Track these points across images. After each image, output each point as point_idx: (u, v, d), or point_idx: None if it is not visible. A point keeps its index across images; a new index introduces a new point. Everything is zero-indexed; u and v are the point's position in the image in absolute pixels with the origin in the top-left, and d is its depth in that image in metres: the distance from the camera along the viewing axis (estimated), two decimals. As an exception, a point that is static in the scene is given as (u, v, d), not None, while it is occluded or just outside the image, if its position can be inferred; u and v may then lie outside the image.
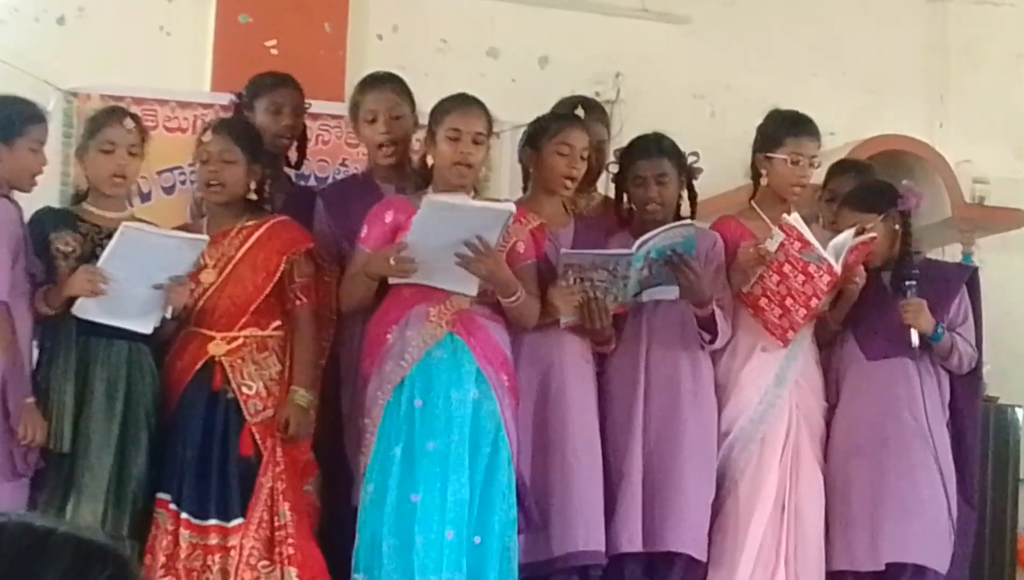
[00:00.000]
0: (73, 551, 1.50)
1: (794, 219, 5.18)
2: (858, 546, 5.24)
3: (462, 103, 5.04)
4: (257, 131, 5.27)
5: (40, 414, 4.76)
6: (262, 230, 5.09)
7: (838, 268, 5.12)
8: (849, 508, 5.28)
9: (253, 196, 5.11)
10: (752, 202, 5.57)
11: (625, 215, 5.46)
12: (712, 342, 5.27)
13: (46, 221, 4.98)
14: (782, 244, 5.15)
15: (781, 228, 5.15)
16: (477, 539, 4.81)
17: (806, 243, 5.12)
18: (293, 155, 5.70)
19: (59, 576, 1.48)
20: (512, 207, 4.91)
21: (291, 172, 5.73)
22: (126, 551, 1.57)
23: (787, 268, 5.17)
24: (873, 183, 5.64)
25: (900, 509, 5.20)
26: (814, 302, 5.21)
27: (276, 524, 4.88)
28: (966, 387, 5.49)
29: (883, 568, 5.20)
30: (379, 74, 5.55)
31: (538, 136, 5.28)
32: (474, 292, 4.94)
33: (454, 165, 4.95)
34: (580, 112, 5.51)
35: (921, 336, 5.22)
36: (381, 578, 4.78)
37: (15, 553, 1.47)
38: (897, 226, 5.37)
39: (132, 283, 4.76)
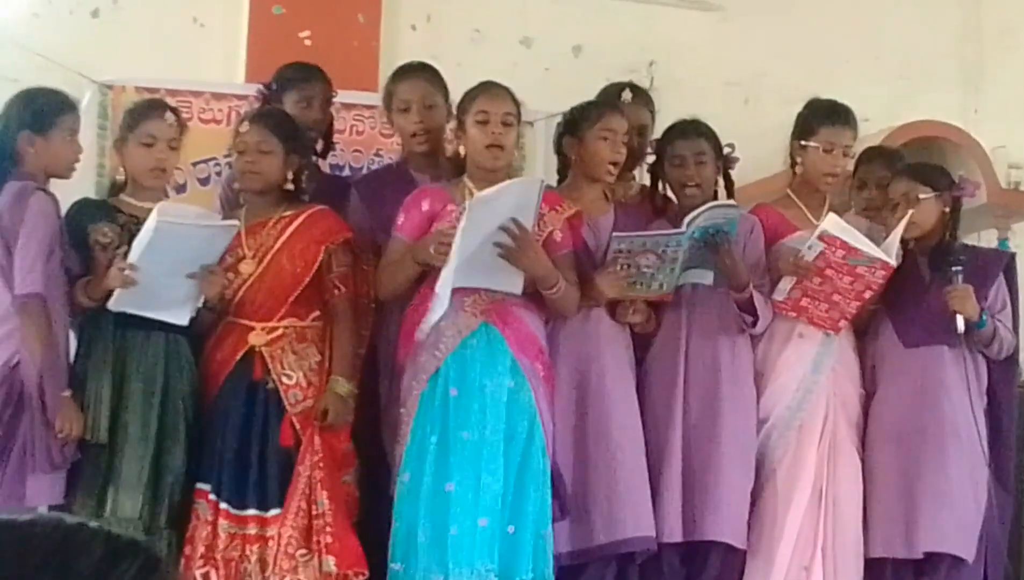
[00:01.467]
0: (103, 545, 1.50)
1: (835, 227, 5.15)
2: (895, 534, 5.23)
3: (488, 87, 5.06)
4: (294, 121, 5.27)
5: (77, 407, 4.78)
6: (300, 220, 5.09)
7: (894, 261, 5.12)
8: (886, 496, 5.27)
9: (290, 186, 5.12)
10: (789, 190, 5.55)
11: (661, 204, 5.46)
12: (754, 325, 5.26)
13: (84, 213, 5.01)
14: (822, 253, 5.14)
15: (821, 238, 5.13)
16: (511, 528, 4.82)
17: (851, 250, 5.11)
18: (319, 145, 5.70)
19: (89, 570, 1.48)
20: (542, 178, 4.90)
21: (319, 161, 5.74)
22: (155, 545, 1.59)
23: (829, 272, 5.16)
24: (934, 164, 5.64)
25: (936, 499, 5.18)
26: (867, 294, 5.22)
27: (314, 513, 4.88)
28: (1003, 373, 5.47)
29: (920, 556, 5.19)
30: (412, 64, 5.56)
31: (579, 123, 5.27)
32: (519, 290, 4.94)
33: (487, 148, 4.96)
34: (627, 95, 5.53)
35: (966, 322, 5.20)
36: (417, 567, 4.79)
37: (47, 548, 1.48)
38: (947, 209, 5.35)
39: (166, 274, 4.77)
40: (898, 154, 5.95)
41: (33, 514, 1.53)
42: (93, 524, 1.53)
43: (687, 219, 5.04)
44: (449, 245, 4.76)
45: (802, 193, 5.50)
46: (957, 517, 5.19)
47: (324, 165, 5.77)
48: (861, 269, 5.14)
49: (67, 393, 4.77)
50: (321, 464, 4.92)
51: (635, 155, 5.47)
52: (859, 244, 5.14)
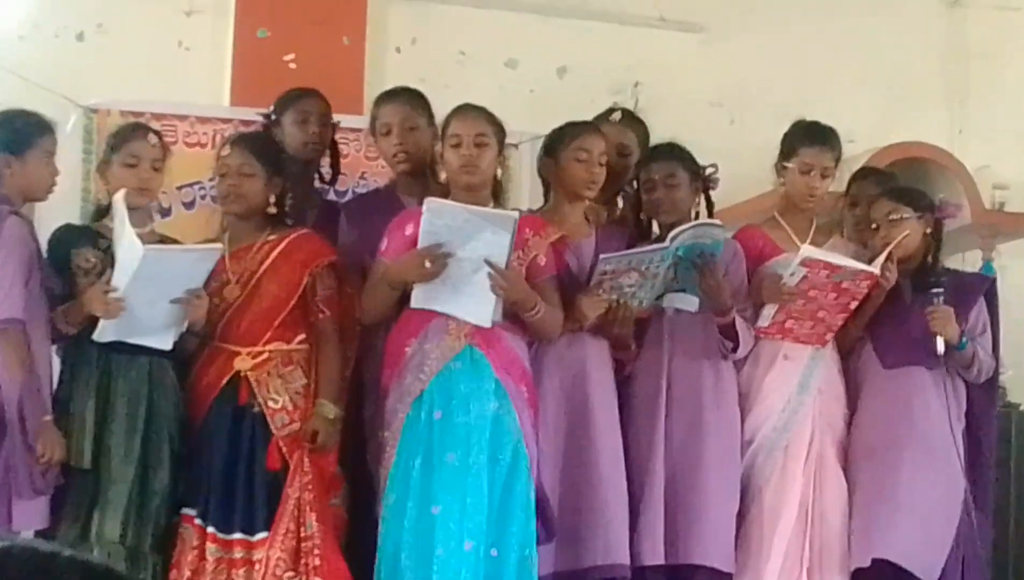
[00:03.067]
0: (79, 575, 1.51)
1: (815, 252, 5.19)
2: (858, 543, 5.22)
3: (460, 109, 5.07)
4: (278, 145, 5.29)
5: (58, 432, 4.76)
6: (284, 244, 5.09)
7: (877, 270, 5.15)
8: (859, 508, 5.26)
9: (273, 210, 5.12)
10: (775, 212, 5.56)
11: (645, 226, 5.46)
12: (734, 351, 5.27)
13: (67, 238, 5.00)
14: (805, 276, 5.15)
15: (803, 264, 5.15)
16: (494, 551, 4.81)
17: (834, 268, 5.14)
18: (327, 173, 5.72)
19: None
20: (517, 213, 4.92)
21: (324, 187, 5.75)
22: (134, 576, 1.59)
23: (813, 293, 5.19)
24: (915, 187, 5.67)
25: (901, 510, 5.18)
26: (853, 305, 5.25)
27: (302, 535, 4.87)
28: (983, 395, 5.49)
29: (868, 564, 5.17)
30: (395, 88, 5.60)
31: (555, 144, 5.28)
32: (488, 324, 4.93)
33: (459, 168, 4.96)
34: (616, 115, 5.58)
35: (946, 344, 5.21)
36: (402, 589, 4.79)
37: (21, 577, 1.48)
38: (928, 230, 5.37)
39: (151, 301, 4.77)
40: (891, 175, 5.97)
41: (8, 541, 1.52)
42: (67, 553, 1.52)
43: (671, 234, 5.05)
44: (438, 263, 4.80)
45: (788, 214, 5.51)
46: (924, 533, 5.19)
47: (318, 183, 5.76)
48: (845, 283, 5.18)
49: (48, 417, 4.75)
50: (310, 487, 4.91)
51: (616, 176, 5.47)
52: (841, 262, 5.16)
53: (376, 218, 5.21)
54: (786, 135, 5.53)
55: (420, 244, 4.84)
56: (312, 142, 5.56)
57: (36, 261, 4.83)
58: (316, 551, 4.86)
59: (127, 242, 4.73)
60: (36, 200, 5.02)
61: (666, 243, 5.03)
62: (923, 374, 5.31)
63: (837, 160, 5.50)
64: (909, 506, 5.19)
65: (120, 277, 4.75)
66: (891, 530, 5.17)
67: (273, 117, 5.61)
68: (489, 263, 4.81)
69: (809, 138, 5.45)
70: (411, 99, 5.47)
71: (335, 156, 5.74)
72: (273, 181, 5.09)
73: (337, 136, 5.74)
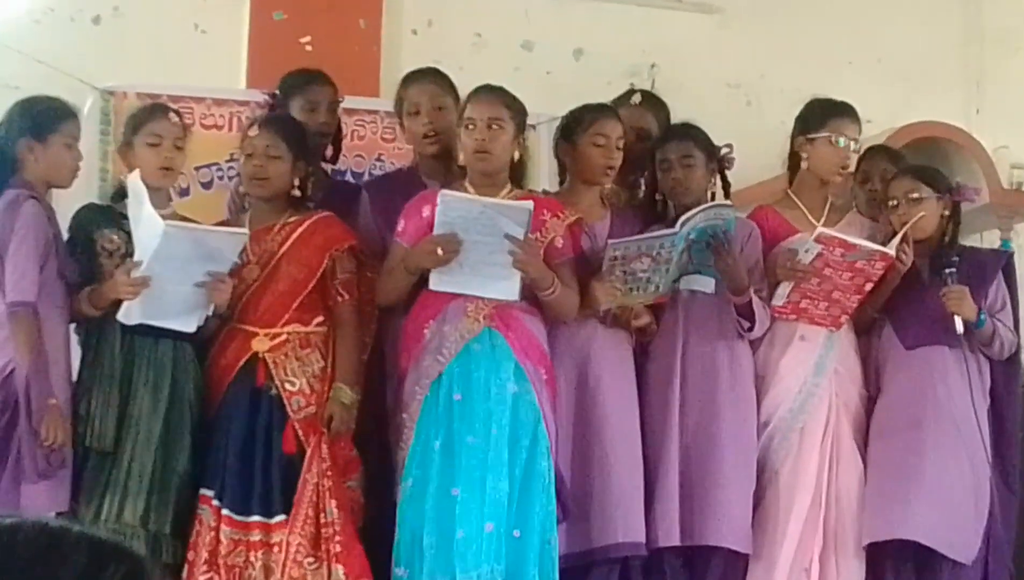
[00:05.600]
0: (87, 551, 1.51)
1: (828, 231, 5.19)
2: (880, 520, 5.21)
3: (476, 92, 5.06)
4: (303, 128, 5.27)
5: (63, 415, 4.75)
6: (305, 226, 5.10)
7: (892, 251, 5.13)
8: (879, 484, 5.25)
9: (296, 193, 5.12)
10: (788, 191, 5.55)
11: (660, 209, 5.44)
12: (750, 330, 5.26)
13: (90, 218, 5.01)
14: (820, 253, 5.14)
15: (818, 240, 5.14)
16: (516, 533, 4.81)
17: (849, 247, 5.12)
18: (328, 151, 5.70)
19: (74, 575, 1.49)
20: (531, 204, 4.91)
21: (327, 167, 5.74)
22: (140, 550, 1.59)
23: (828, 271, 5.17)
24: (934, 167, 5.67)
25: (930, 492, 5.17)
26: (868, 286, 5.23)
27: (322, 521, 4.87)
28: (1005, 373, 5.47)
29: (880, 539, 5.16)
30: (421, 69, 5.58)
31: (572, 128, 5.27)
32: (515, 297, 4.95)
33: (473, 153, 4.96)
34: (636, 97, 5.59)
35: (964, 322, 5.20)
36: (422, 573, 4.78)
37: (31, 553, 1.49)
38: (947, 212, 5.36)
39: (175, 282, 4.77)
40: (901, 154, 5.96)
41: (18, 518, 1.52)
42: (77, 529, 1.53)
43: (681, 219, 5.03)
44: (451, 250, 4.80)
45: (803, 193, 5.50)
46: (949, 513, 5.18)
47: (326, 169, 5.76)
48: (860, 263, 5.16)
49: (53, 401, 4.74)
50: (329, 472, 4.91)
51: (637, 159, 5.46)
52: (856, 241, 5.15)
53: (398, 199, 5.20)
54: (806, 112, 5.50)
55: (435, 233, 4.85)
56: (321, 131, 5.54)
57: (53, 246, 4.84)
58: (337, 537, 4.87)
59: (147, 219, 4.73)
60: (59, 186, 5.02)
61: (676, 228, 5.02)
62: (944, 353, 5.30)
63: (859, 133, 5.49)
64: (931, 486, 5.17)
65: (141, 256, 4.75)
66: (911, 509, 5.15)
67: (280, 96, 5.59)
68: (508, 237, 4.81)
69: (836, 109, 5.44)
70: (438, 79, 5.46)
71: (337, 136, 5.72)
72: (298, 164, 5.09)
73: (354, 119, 5.74)
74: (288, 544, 4.84)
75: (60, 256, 4.86)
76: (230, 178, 5.82)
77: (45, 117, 4.94)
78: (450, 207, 4.82)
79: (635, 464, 5.15)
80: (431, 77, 5.47)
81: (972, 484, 5.23)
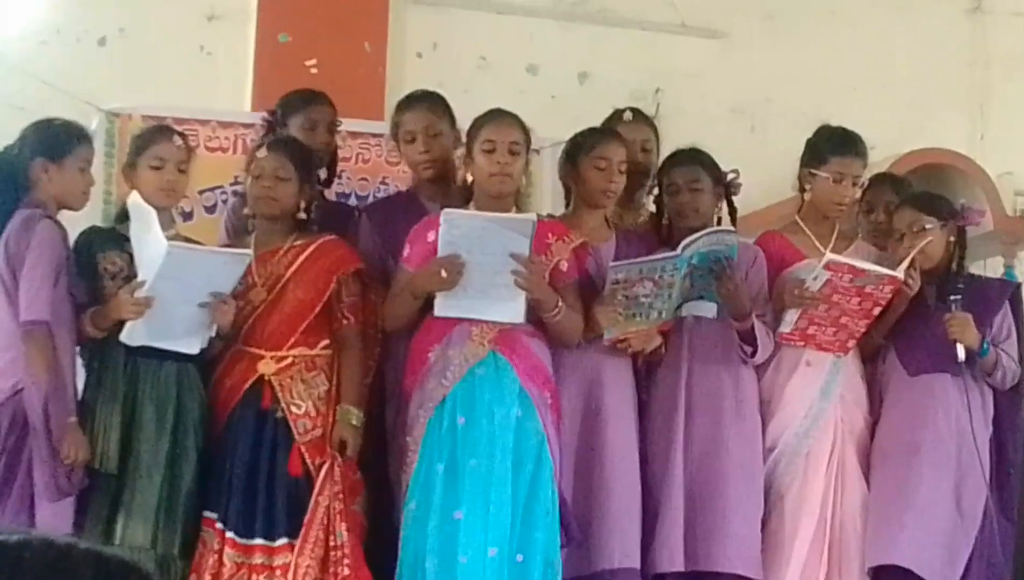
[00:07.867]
0: (95, 566, 1.51)
1: (837, 257, 5.17)
2: (872, 541, 5.20)
3: (496, 115, 5.06)
4: (310, 152, 5.28)
5: (82, 434, 4.77)
6: (311, 249, 5.10)
7: (901, 274, 5.12)
8: (874, 509, 5.24)
9: (302, 215, 5.12)
10: (797, 217, 5.55)
11: (665, 233, 5.45)
12: (753, 356, 5.26)
13: (93, 241, 5.02)
14: (829, 281, 5.13)
15: (827, 268, 5.13)
16: (520, 557, 4.80)
17: (858, 272, 5.11)
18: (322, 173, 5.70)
19: None
20: (534, 216, 4.91)
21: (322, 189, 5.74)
22: (147, 566, 1.59)
23: (836, 297, 5.16)
24: (937, 194, 5.64)
25: (915, 515, 5.16)
26: (876, 310, 5.22)
27: (332, 544, 4.87)
28: (1008, 402, 5.45)
29: (876, 564, 5.15)
30: (415, 93, 5.56)
31: (575, 151, 5.29)
32: (520, 319, 4.94)
33: (492, 176, 4.96)
34: (628, 115, 5.58)
35: (967, 351, 5.20)
36: (425, 595, 4.78)
37: (39, 568, 1.48)
38: (952, 238, 5.36)
39: (178, 303, 4.78)
40: (905, 181, 5.96)
41: (25, 534, 1.52)
42: (84, 545, 1.53)
43: (683, 243, 5.02)
44: (454, 272, 4.79)
45: (810, 220, 5.50)
46: (938, 538, 5.16)
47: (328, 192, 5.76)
48: (869, 288, 5.16)
49: (73, 419, 4.76)
50: (340, 496, 4.91)
51: (640, 176, 5.47)
52: (864, 266, 5.15)
53: (399, 222, 5.21)
54: (813, 142, 5.51)
55: (439, 254, 4.85)
56: (319, 152, 5.54)
57: (65, 266, 4.84)
58: (345, 561, 4.87)
59: (152, 240, 4.74)
60: (70, 208, 5.02)
61: (678, 251, 5.02)
62: (946, 381, 5.29)
63: (864, 167, 5.49)
64: (924, 512, 5.16)
65: (145, 276, 4.76)
66: (903, 535, 5.14)
67: (279, 116, 5.59)
68: (514, 256, 4.81)
69: (841, 146, 5.44)
70: (433, 104, 5.45)
71: (333, 158, 5.73)
72: (305, 187, 5.10)
73: (358, 141, 5.74)
74: (297, 566, 4.83)
75: (70, 276, 4.87)
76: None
77: (62, 139, 4.95)
78: (454, 225, 4.82)
79: (633, 490, 5.14)
80: (426, 102, 5.46)
81: (964, 513, 5.21)
